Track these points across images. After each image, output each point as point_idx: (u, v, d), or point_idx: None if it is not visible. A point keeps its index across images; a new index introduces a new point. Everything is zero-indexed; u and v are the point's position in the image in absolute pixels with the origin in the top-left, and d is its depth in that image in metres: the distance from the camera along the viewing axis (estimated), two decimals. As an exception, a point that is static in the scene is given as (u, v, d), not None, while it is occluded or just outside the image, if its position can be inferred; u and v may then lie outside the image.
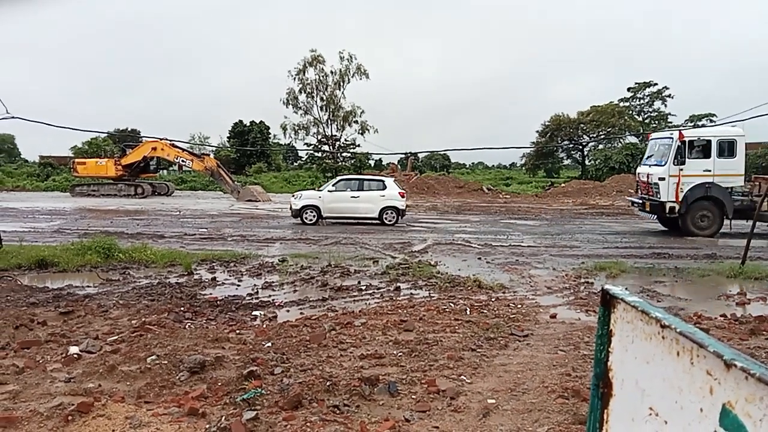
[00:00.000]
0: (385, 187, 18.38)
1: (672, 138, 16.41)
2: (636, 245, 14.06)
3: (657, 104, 57.85)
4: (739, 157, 16.19)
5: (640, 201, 17.89)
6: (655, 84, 56.76)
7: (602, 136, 52.47)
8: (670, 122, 56.17)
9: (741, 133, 16.47)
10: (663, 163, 16.47)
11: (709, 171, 15.99)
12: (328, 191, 18.55)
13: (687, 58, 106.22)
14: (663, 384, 1.01)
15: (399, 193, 18.37)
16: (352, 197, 18.13)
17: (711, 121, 49.63)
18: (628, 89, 58.09)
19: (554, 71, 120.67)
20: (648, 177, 17.54)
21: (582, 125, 53.83)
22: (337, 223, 18.20)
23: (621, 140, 49.27)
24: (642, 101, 58.42)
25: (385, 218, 18.08)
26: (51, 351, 5.11)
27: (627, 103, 57.76)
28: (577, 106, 78.86)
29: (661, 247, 13.55)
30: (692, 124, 51.31)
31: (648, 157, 17.75)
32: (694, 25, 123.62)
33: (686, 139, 16.20)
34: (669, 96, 56.82)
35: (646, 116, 58.29)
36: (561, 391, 4.14)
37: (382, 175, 25.12)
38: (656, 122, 57.04)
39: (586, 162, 53.74)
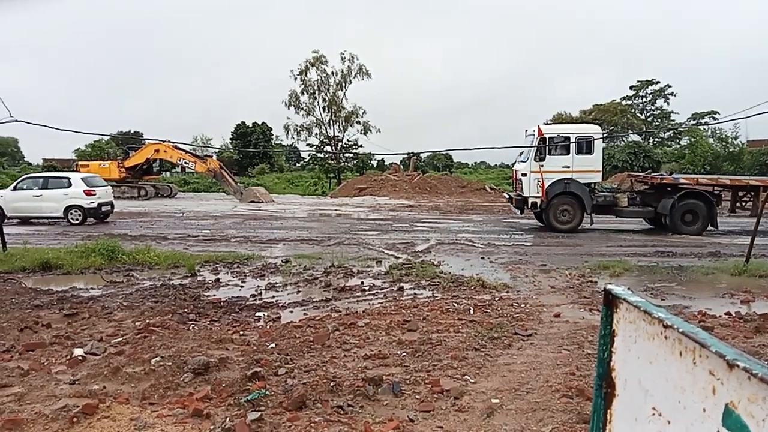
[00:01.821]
0: (70, 185, 17.98)
1: (534, 134, 16.78)
2: (640, 244, 14.03)
3: (659, 102, 57.78)
4: (597, 154, 16.71)
5: (508, 196, 18.48)
6: (658, 82, 56.70)
7: (605, 135, 52.37)
8: (673, 120, 56.17)
9: (599, 131, 17.05)
10: (527, 159, 16.85)
11: (568, 167, 16.41)
12: (11, 190, 18.27)
13: (690, 56, 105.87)
14: (666, 384, 1.01)
15: (85, 191, 17.93)
16: (34, 196, 17.78)
17: (714, 118, 49.59)
18: (631, 87, 58.04)
19: (558, 70, 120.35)
20: (515, 173, 18.17)
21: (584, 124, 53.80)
22: (341, 223, 18.19)
23: (623, 138, 49.18)
24: (644, 99, 58.34)
25: (71, 217, 17.72)
26: (56, 353, 5.13)
27: (629, 102, 57.68)
28: (580, 104, 78.70)
29: (665, 245, 13.52)
30: (694, 122, 51.28)
31: (521, 153, 18.02)
32: (698, 23, 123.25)
33: (546, 136, 16.63)
34: (671, 94, 56.78)
35: (648, 114, 58.24)
36: (565, 390, 4.14)
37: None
38: (658, 120, 57.02)
39: (589, 160, 53.61)
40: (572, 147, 16.45)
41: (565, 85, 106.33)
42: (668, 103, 57.32)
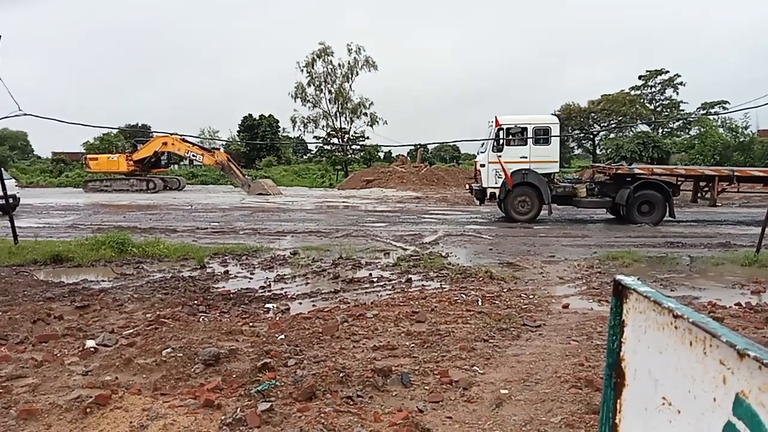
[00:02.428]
0: None
1: (493, 125, 16.84)
2: (649, 234, 13.96)
3: (669, 92, 57.19)
4: (554, 145, 16.75)
5: (469, 188, 18.62)
6: (667, 72, 56.08)
7: (613, 125, 52.03)
8: (682, 110, 55.61)
9: (555, 121, 17.13)
10: (486, 150, 16.92)
11: (526, 158, 16.45)
12: None
13: (701, 45, 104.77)
14: (676, 374, 1.01)
15: None
16: None
17: (724, 108, 49.07)
18: (640, 77, 57.45)
19: (568, 60, 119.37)
20: (476, 164, 18.27)
21: (593, 114, 53.40)
22: (348, 215, 18.22)
23: (632, 129, 48.80)
24: (653, 89, 57.76)
25: None
26: (68, 345, 5.18)
27: (638, 92, 57.14)
28: (589, 95, 78.14)
29: (674, 236, 13.45)
30: (704, 111, 50.78)
31: (482, 144, 18.01)
32: (709, 11, 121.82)
33: (503, 126, 16.66)
34: (681, 84, 56.13)
35: (657, 104, 57.68)
36: (574, 381, 4.14)
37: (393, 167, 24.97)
38: (668, 110, 56.48)
39: (597, 151, 53.30)
40: (530, 137, 16.51)
41: (575, 75, 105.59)
42: (677, 93, 56.72)
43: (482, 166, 17.09)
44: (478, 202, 18.04)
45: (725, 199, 21.38)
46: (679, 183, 17.64)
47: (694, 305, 6.72)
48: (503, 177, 16.40)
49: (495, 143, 16.54)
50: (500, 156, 16.46)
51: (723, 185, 16.88)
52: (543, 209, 16.67)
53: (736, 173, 16.76)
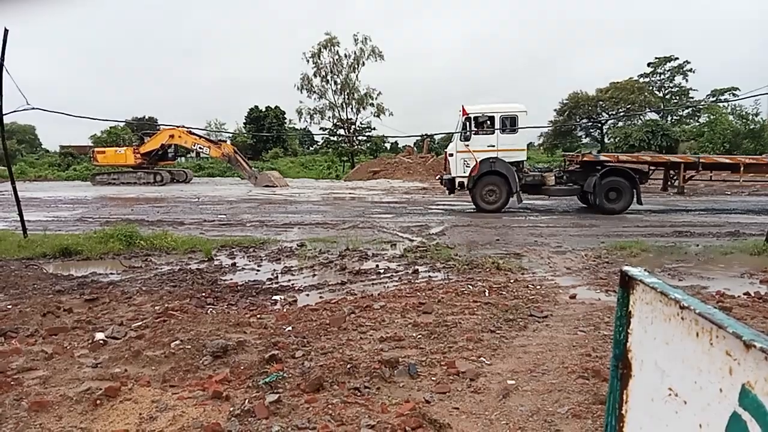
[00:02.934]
0: None
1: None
2: (657, 224, 13.89)
3: (678, 79, 56.63)
4: (521, 133, 16.76)
5: (439, 178, 18.69)
6: (676, 58, 55.52)
7: (621, 113, 51.65)
8: (692, 97, 55.10)
9: (522, 109, 17.02)
10: (454, 139, 16.99)
11: (493, 146, 16.51)
12: None
13: (711, 33, 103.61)
14: (682, 365, 1.01)
15: None
16: None
17: (734, 95, 48.59)
18: (648, 64, 56.94)
19: (578, 49, 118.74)
20: (446, 154, 18.29)
21: (601, 102, 53.00)
22: (355, 207, 18.23)
23: (641, 117, 48.43)
24: (662, 76, 57.23)
25: None
26: (78, 337, 5.23)
27: (647, 79, 56.63)
28: (597, 83, 77.55)
29: (683, 225, 13.37)
30: (714, 98, 50.28)
31: (453, 134, 18.09)
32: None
33: (471, 115, 16.70)
34: (690, 71, 55.56)
35: (666, 92, 57.18)
36: (581, 371, 4.14)
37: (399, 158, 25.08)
38: (677, 97, 55.97)
39: (606, 140, 52.99)
40: (497, 126, 16.54)
41: (584, 64, 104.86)
42: (687, 80, 56.15)
43: (450, 155, 17.24)
44: (448, 192, 18.04)
45: (735, 187, 21.26)
46: (650, 171, 17.85)
47: (702, 295, 6.68)
48: (470, 166, 16.48)
49: (462, 132, 16.67)
50: (468, 145, 16.55)
51: (691, 173, 17.02)
52: (512, 198, 16.79)
53: (701, 160, 16.90)
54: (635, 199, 16.19)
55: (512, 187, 16.43)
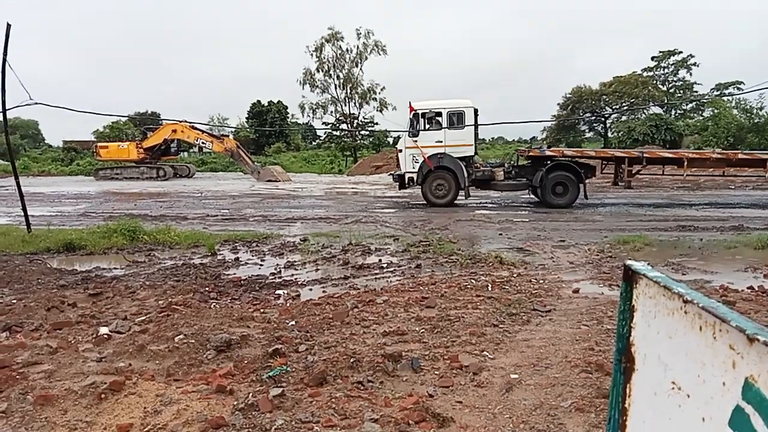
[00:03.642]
0: None
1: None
2: (660, 218, 13.86)
3: (682, 73, 56.31)
4: (468, 129, 16.84)
5: (391, 174, 18.98)
6: (680, 52, 55.16)
7: (625, 108, 51.44)
8: (696, 91, 54.81)
9: (469, 105, 17.17)
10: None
11: (441, 142, 16.69)
12: None
13: (716, 26, 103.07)
14: (685, 358, 1.01)
15: None
16: None
17: (738, 89, 48.34)
18: (652, 58, 56.57)
19: (582, 42, 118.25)
20: (396, 150, 18.66)
21: (604, 97, 52.78)
22: (358, 201, 18.25)
23: (645, 111, 48.24)
24: (666, 70, 56.91)
25: None
26: (82, 332, 5.25)
27: (650, 73, 56.33)
28: (601, 77, 77.29)
29: (686, 219, 13.35)
30: (718, 92, 50.05)
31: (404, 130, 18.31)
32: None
33: (418, 111, 16.95)
34: (694, 64, 55.22)
35: (670, 86, 56.89)
36: (584, 365, 4.15)
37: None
38: (681, 91, 55.70)
39: (609, 134, 52.82)
40: (444, 121, 16.74)
41: (589, 57, 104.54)
42: (691, 74, 55.80)
43: (400, 151, 17.49)
44: (398, 188, 18.21)
45: (740, 181, 21.18)
46: (604, 165, 18.23)
47: (705, 289, 6.68)
48: (419, 161, 16.67)
49: (411, 128, 16.88)
50: (416, 141, 16.74)
51: (637, 167, 17.25)
52: (461, 193, 17.00)
53: (645, 155, 17.17)
54: (581, 194, 16.49)
55: (460, 182, 16.66)
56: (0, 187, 26.87)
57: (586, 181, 16.73)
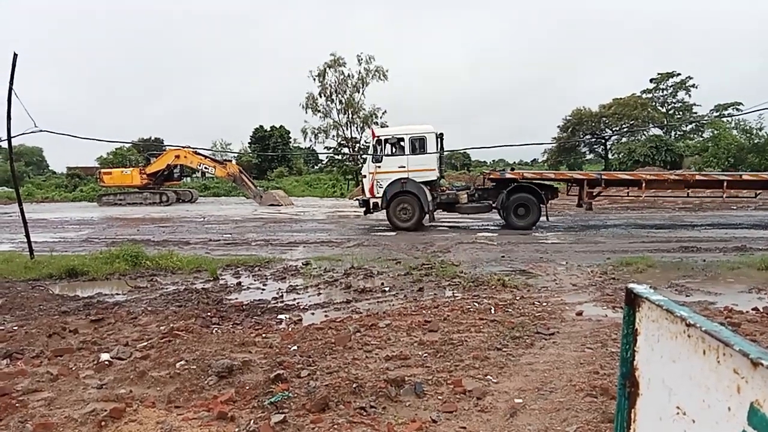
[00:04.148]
0: None
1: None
2: (663, 239, 13.83)
3: (681, 95, 56.78)
4: (431, 153, 17.19)
5: (357, 199, 19.34)
6: (679, 74, 55.74)
7: (625, 129, 51.71)
8: (695, 113, 55.19)
9: (431, 131, 17.56)
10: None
11: (404, 167, 17.02)
12: None
13: (712, 49, 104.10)
14: (690, 383, 1.00)
15: None
16: None
17: (737, 110, 48.65)
18: (651, 80, 57.16)
19: (582, 65, 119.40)
20: (361, 176, 19.02)
21: (604, 119, 53.12)
22: (360, 225, 18.26)
23: (644, 132, 48.48)
24: (665, 92, 57.39)
25: None
26: (83, 358, 5.22)
27: (650, 95, 56.80)
28: (600, 99, 77.90)
29: (689, 240, 13.31)
30: (717, 113, 50.34)
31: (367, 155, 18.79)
32: (725, 13, 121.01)
33: (381, 138, 17.63)
34: (693, 86, 55.72)
35: (669, 107, 57.30)
36: (589, 389, 4.10)
37: None
38: (680, 113, 56.07)
39: (610, 156, 53.01)
40: (407, 147, 17.15)
41: (588, 80, 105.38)
42: (690, 96, 56.32)
43: (364, 177, 17.89)
44: (364, 213, 18.48)
45: (742, 202, 21.16)
46: (569, 186, 18.61)
47: (710, 311, 6.63)
48: (383, 187, 17.05)
49: (374, 154, 17.33)
50: (379, 167, 17.13)
51: (598, 189, 17.56)
52: (426, 216, 17.29)
53: (603, 177, 17.52)
54: (542, 216, 16.78)
55: (424, 206, 16.92)
56: (4, 214, 26.97)
57: (549, 202, 17.28)
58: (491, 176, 17.88)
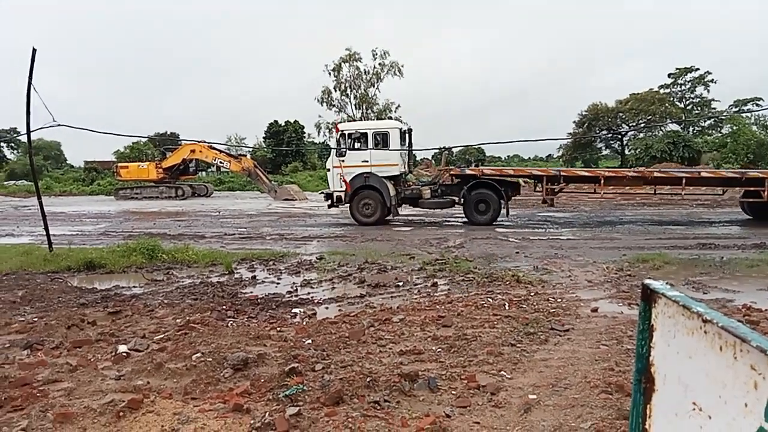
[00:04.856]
0: None
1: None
2: (680, 236, 13.68)
3: (699, 90, 55.99)
4: (393, 148, 17.30)
5: (322, 192, 19.60)
6: (697, 69, 54.95)
7: (642, 125, 51.15)
8: (714, 108, 54.42)
9: (394, 126, 17.90)
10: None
11: (367, 162, 17.15)
12: None
13: (731, 44, 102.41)
14: (706, 379, 1.00)
15: None
16: None
17: (757, 105, 47.88)
18: (669, 75, 56.45)
19: (596, 61, 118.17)
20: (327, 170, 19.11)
21: (621, 114, 52.56)
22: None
23: (662, 128, 47.92)
24: (683, 87, 56.63)
25: None
26: (101, 350, 5.30)
27: (667, 90, 56.07)
28: (617, 94, 76.92)
29: (707, 237, 13.15)
30: (737, 109, 49.58)
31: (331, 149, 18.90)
32: (739, 11, 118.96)
33: (344, 132, 17.75)
34: (712, 81, 54.91)
35: (688, 102, 56.55)
36: (604, 386, 4.08)
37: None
38: (698, 108, 55.32)
39: (626, 152, 52.47)
40: (370, 142, 17.26)
41: (603, 76, 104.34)
42: (708, 91, 55.53)
43: (328, 171, 18.14)
44: (328, 206, 18.58)
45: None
46: (535, 183, 18.50)
47: (727, 308, 6.55)
48: (347, 180, 17.20)
49: (337, 149, 17.48)
50: (343, 161, 17.28)
51: (561, 185, 17.48)
52: (391, 211, 17.47)
53: (562, 173, 17.62)
54: (502, 212, 16.90)
55: (386, 201, 17.07)
56: (24, 207, 27.40)
57: (513, 197, 17.74)
58: (452, 172, 18.11)
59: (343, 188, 17.22)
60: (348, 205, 17.52)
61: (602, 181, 16.86)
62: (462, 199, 16.94)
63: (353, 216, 17.49)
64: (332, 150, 17.97)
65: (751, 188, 16.18)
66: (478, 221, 16.61)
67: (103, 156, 54.22)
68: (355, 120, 48.26)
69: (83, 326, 6.16)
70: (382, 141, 17.26)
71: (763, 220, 16.23)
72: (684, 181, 16.68)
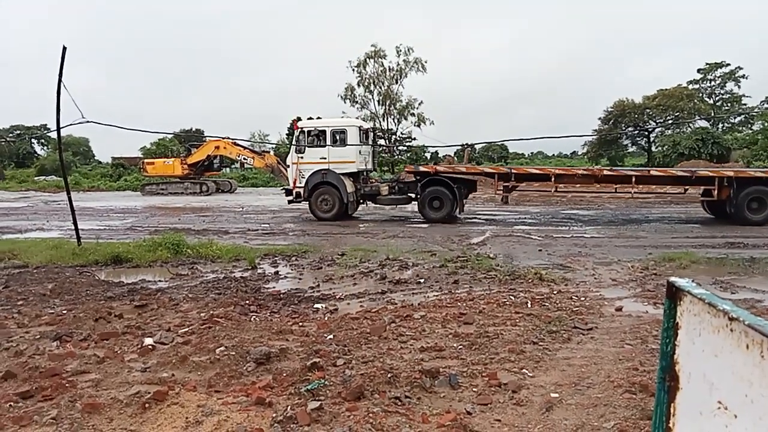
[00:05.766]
0: None
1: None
2: (708, 235, 13.41)
3: (729, 86, 54.73)
4: (351, 146, 17.47)
5: (283, 188, 20.04)
6: (728, 64, 53.71)
7: (669, 121, 50.19)
8: (744, 104, 53.15)
9: (353, 124, 18.27)
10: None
11: (325, 158, 17.57)
12: None
13: (763, 39, 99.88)
14: (732, 377, 0.99)
15: None
16: None
17: (790, 101, 46.61)
18: (698, 70, 55.28)
19: (623, 57, 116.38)
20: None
21: (648, 110, 51.63)
22: (395, 216, 18.31)
23: (690, 125, 46.97)
24: (713, 83, 55.41)
25: None
26: (128, 342, 5.40)
27: (696, 86, 54.93)
28: (644, 90, 75.59)
29: (735, 236, 12.87)
30: (768, 105, 48.35)
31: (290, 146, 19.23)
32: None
33: (304, 129, 18.06)
34: (743, 77, 53.61)
35: (717, 98, 55.32)
36: (628, 385, 4.03)
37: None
38: (728, 104, 54.09)
39: (653, 148, 51.56)
40: (328, 139, 17.60)
41: (631, 72, 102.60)
42: (739, 87, 54.25)
43: (287, 166, 18.61)
44: (287, 202, 18.80)
45: None
46: (473, 180, 18.65)
47: (756, 308, 6.42)
48: (305, 177, 17.50)
49: (296, 145, 17.81)
50: (301, 157, 17.64)
51: (512, 183, 17.41)
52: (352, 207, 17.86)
53: (513, 171, 17.62)
54: (456, 209, 17.10)
55: (343, 197, 17.29)
56: (53, 202, 28.02)
57: (470, 195, 18.23)
58: (408, 170, 18.45)
59: (302, 184, 17.61)
60: (307, 201, 17.92)
61: (553, 179, 16.88)
62: (417, 196, 17.23)
63: (312, 211, 17.91)
64: (291, 146, 18.38)
65: (705, 187, 16.23)
66: (431, 218, 16.84)
67: (130, 152, 55.12)
68: (377, 117, 48.33)
69: (110, 319, 6.28)
70: (340, 138, 17.61)
71: (722, 218, 16.09)
72: (634, 179, 16.67)
